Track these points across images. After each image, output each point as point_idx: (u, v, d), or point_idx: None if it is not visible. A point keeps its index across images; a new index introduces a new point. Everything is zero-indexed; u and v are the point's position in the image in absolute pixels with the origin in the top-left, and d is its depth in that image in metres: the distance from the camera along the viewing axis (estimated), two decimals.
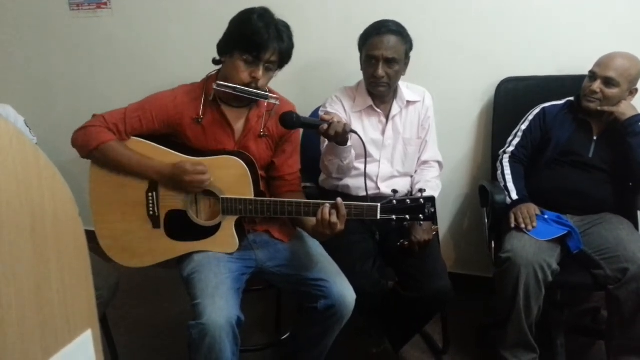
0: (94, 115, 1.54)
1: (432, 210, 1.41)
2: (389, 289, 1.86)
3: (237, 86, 1.49)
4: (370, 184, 1.89)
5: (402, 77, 1.85)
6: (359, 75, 1.88)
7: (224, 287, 1.44)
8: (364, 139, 1.59)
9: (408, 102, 1.89)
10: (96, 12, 2.54)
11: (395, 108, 1.88)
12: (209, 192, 1.54)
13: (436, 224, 1.92)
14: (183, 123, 1.56)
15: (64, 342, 0.67)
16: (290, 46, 1.52)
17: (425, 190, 1.43)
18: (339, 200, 1.40)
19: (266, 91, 1.53)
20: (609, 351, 1.80)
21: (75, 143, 1.53)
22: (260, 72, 1.49)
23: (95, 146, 1.49)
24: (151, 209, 1.56)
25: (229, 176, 1.51)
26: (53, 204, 0.64)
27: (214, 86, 1.51)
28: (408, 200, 1.40)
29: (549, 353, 1.88)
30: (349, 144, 1.61)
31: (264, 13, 1.49)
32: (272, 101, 1.54)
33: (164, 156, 1.53)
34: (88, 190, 1.57)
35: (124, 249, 1.60)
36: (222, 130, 1.59)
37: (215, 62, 1.61)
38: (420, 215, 1.40)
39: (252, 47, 1.46)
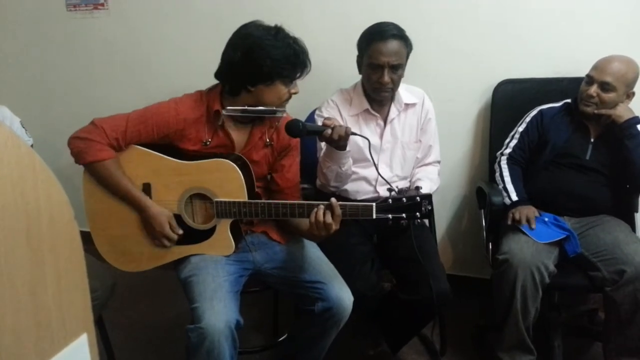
0: (93, 122, 1.49)
1: (429, 208, 1.39)
2: (386, 291, 1.86)
3: (245, 108, 1.49)
4: (369, 188, 1.88)
5: None
6: (356, 77, 1.87)
7: (222, 290, 1.43)
8: (361, 143, 1.59)
9: (406, 105, 1.87)
10: (93, 12, 2.54)
11: (394, 111, 1.87)
12: (203, 195, 1.53)
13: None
14: (183, 139, 1.54)
15: (59, 346, 0.67)
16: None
17: (421, 188, 1.42)
18: (333, 200, 1.39)
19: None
20: (606, 353, 1.81)
21: (72, 149, 1.49)
22: (297, 88, 1.54)
23: (90, 161, 1.47)
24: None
25: (222, 179, 1.50)
26: (48, 206, 0.64)
27: (224, 112, 1.51)
28: (404, 199, 1.39)
29: (546, 355, 1.88)
30: (347, 148, 1.61)
31: (284, 35, 1.48)
32: (280, 114, 1.53)
33: (160, 162, 1.52)
34: (82, 197, 1.56)
35: (121, 254, 1.59)
36: (224, 148, 1.58)
37: (231, 92, 1.52)
38: (417, 214, 1.39)
39: (296, 70, 1.49)
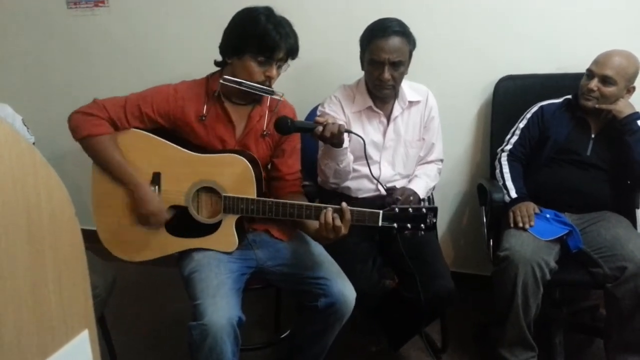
0: (94, 101, 1.53)
1: (434, 221, 1.41)
2: (388, 288, 1.86)
3: (244, 81, 1.50)
4: (371, 186, 1.88)
5: None
6: (359, 73, 1.87)
7: (224, 287, 1.43)
8: (364, 141, 1.58)
9: (410, 102, 1.86)
10: (93, 10, 2.54)
11: (397, 109, 1.85)
12: (211, 189, 1.53)
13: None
14: (184, 117, 1.56)
15: (60, 343, 0.67)
16: (297, 40, 1.54)
17: (426, 200, 1.42)
18: (344, 205, 1.40)
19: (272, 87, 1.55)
20: (608, 349, 1.81)
21: (70, 123, 1.52)
22: (274, 71, 1.51)
23: (85, 135, 1.49)
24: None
25: (232, 174, 1.51)
26: (49, 203, 0.64)
27: (221, 81, 1.52)
28: (410, 209, 1.40)
29: (548, 351, 1.88)
30: (344, 145, 1.60)
31: (270, 13, 1.49)
32: (277, 97, 1.55)
33: (171, 152, 1.53)
34: (90, 183, 1.56)
35: (123, 243, 1.60)
36: (223, 128, 1.59)
37: (218, 64, 1.60)
38: (422, 225, 1.40)
39: (265, 48, 1.47)
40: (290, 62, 1.55)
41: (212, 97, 1.57)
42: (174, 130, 1.59)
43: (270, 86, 1.53)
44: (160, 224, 1.55)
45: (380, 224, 1.41)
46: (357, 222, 1.42)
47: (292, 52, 1.52)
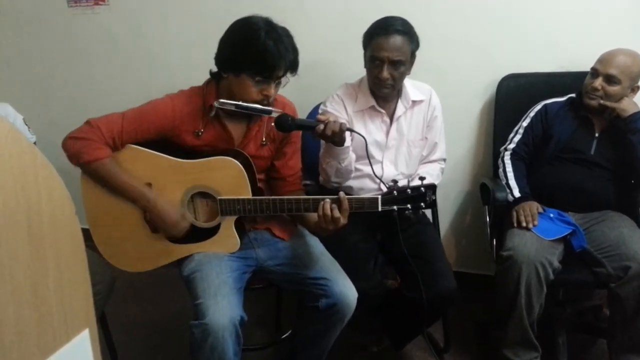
0: (88, 122, 1.46)
1: (434, 198, 1.40)
2: (390, 288, 1.85)
3: (239, 103, 1.45)
4: (373, 185, 1.87)
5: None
6: (359, 73, 1.86)
7: (226, 286, 1.43)
8: (366, 140, 1.58)
9: (413, 101, 1.85)
10: (94, 8, 2.54)
11: (400, 108, 1.84)
12: (205, 193, 1.52)
13: None
14: (182, 134, 1.52)
15: (61, 342, 0.67)
16: (297, 55, 1.48)
17: (425, 178, 1.42)
18: (342, 194, 1.39)
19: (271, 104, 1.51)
20: (611, 349, 1.80)
21: (67, 150, 1.46)
22: (272, 90, 1.46)
23: (88, 160, 1.43)
24: (148, 214, 1.54)
25: (225, 177, 1.49)
26: (50, 202, 0.64)
27: (215, 104, 1.47)
28: (409, 190, 1.39)
29: (551, 351, 1.87)
30: (346, 144, 1.59)
31: (269, 28, 1.43)
32: (275, 115, 1.50)
33: (160, 161, 1.50)
34: (81, 199, 1.53)
35: (124, 255, 1.58)
36: (221, 141, 1.56)
37: (213, 75, 1.55)
38: (422, 204, 1.39)
39: (264, 68, 1.42)
40: (289, 76, 1.49)
41: (208, 112, 1.52)
42: (169, 138, 1.54)
43: (268, 104, 1.48)
44: (181, 232, 1.53)
45: (380, 208, 1.40)
46: (356, 210, 1.41)
47: (292, 67, 1.47)
